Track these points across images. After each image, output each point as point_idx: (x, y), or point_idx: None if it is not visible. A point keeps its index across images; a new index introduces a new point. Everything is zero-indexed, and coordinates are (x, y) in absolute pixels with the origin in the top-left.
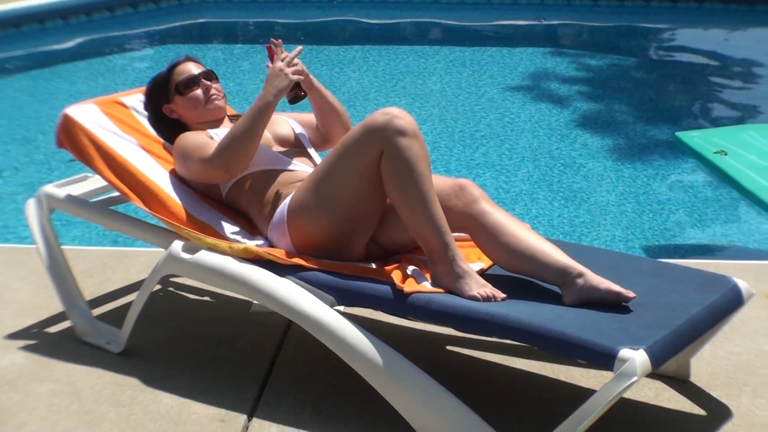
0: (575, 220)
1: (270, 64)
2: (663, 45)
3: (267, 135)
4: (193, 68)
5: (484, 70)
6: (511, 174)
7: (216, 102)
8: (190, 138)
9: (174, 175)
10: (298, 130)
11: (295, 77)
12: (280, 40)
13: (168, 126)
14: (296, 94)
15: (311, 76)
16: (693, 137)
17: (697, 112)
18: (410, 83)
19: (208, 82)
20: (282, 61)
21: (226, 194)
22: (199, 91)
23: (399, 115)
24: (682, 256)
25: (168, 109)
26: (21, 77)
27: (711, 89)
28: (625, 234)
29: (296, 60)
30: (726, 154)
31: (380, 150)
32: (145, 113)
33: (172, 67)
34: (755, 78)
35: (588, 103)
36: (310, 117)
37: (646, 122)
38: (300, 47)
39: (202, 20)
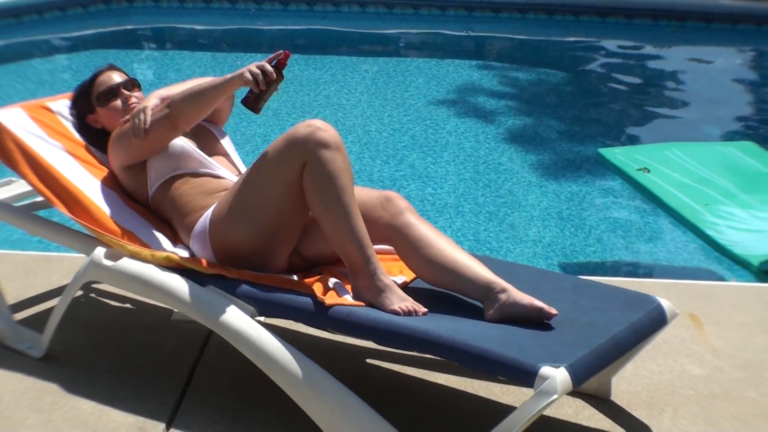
0: (500, 234)
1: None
2: (591, 60)
3: (191, 139)
4: (116, 77)
5: (410, 81)
6: (437, 186)
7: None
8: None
9: (101, 180)
10: (223, 139)
11: (248, 76)
12: (288, 53)
13: (93, 134)
14: (248, 103)
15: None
16: (615, 154)
17: (622, 129)
18: (335, 93)
19: (128, 92)
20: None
21: (152, 195)
22: (118, 102)
23: (322, 128)
24: (606, 274)
25: (92, 119)
26: None
27: (636, 106)
28: (547, 251)
29: (269, 70)
30: (649, 171)
31: (303, 162)
32: (71, 119)
33: (94, 77)
34: (680, 95)
35: (514, 117)
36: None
37: (572, 138)
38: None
39: (130, 26)
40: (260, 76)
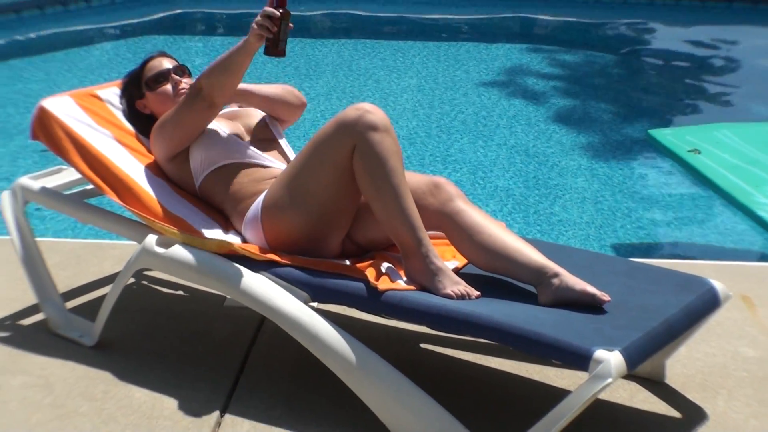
0: (551, 217)
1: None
2: (639, 41)
3: (240, 127)
4: (166, 63)
5: (460, 65)
6: (486, 170)
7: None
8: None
9: (149, 168)
10: (274, 126)
11: (256, 28)
12: None
13: (142, 121)
14: (267, 49)
15: (245, 86)
16: (666, 135)
17: (671, 110)
18: (385, 78)
19: (178, 77)
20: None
21: (200, 186)
22: (168, 86)
23: (370, 110)
24: (657, 256)
25: (141, 104)
26: None
27: (685, 87)
28: (599, 233)
29: (271, 12)
30: (699, 153)
31: (352, 145)
32: (120, 106)
33: (145, 63)
34: (729, 75)
35: (564, 99)
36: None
37: (622, 119)
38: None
39: (178, 11)
40: (267, 21)
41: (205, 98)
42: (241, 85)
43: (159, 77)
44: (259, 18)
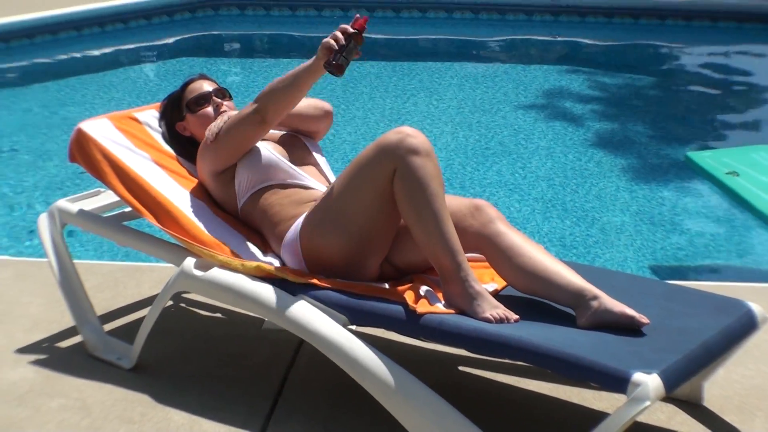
0: (588, 240)
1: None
2: (677, 63)
3: (283, 151)
4: (206, 86)
5: (498, 87)
6: (524, 192)
7: None
8: None
9: (188, 190)
10: (313, 149)
11: (329, 40)
12: (366, 17)
13: (182, 143)
14: (331, 67)
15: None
16: (704, 157)
17: (709, 132)
18: (423, 100)
19: (219, 100)
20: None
21: (242, 207)
22: (209, 109)
23: (412, 134)
24: (695, 278)
25: (181, 126)
26: (33, 88)
27: (723, 109)
28: (638, 255)
29: (346, 28)
30: (738, 175)
31: (393, 169)
32: (159, 129)
33: (185, 85)
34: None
35: (602, 121)
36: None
37: (660, 141)
38: (359, 52)
39: (215, 33)
40: (339, 33)
41: (260, 115)
42: None
43: (200, 99)
44: (334, 32)
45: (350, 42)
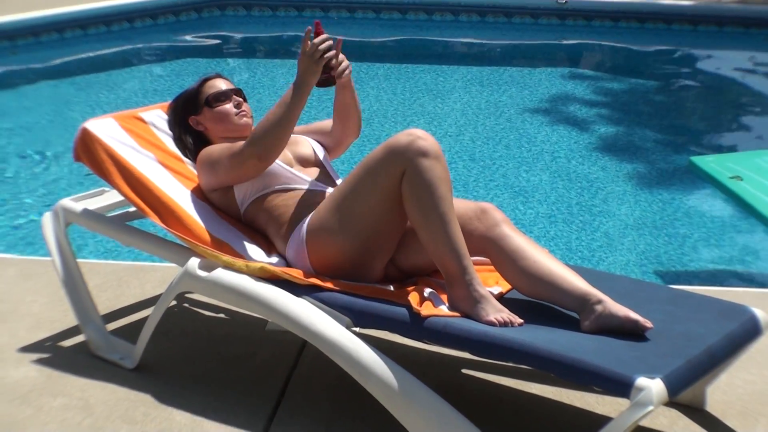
0: (592, 243)
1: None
2: (682, 68)
3: (288, 154)
4: (223, 85)
5: (503, 90)
6: (529, 195)
7: (245, 119)
8: (216, 146)
9: (192, 191)
10: (319, 150)
11: (327, 55)
12: (318, 21)
13: (191, 136)
14: (327, 77)
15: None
16: (708, 162)
17: (713, 137)
18: (429, 102)
19: (240, 99)
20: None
21: (244, 212)
22: (229, 105)
23: (422, 137)
24: (699, 282)
25: (194, 120)
26: (39, 87)
27: (728, 113)
28: (642, 259)
29: (329, 42)
30: (741, 179)
31: (402, 171)
32: (165, 129)
33: (203, 81)
34: None
35: (607, 125)
36: (324, 124)
37: (664, 146)
38: (340, 38)
39: (221, 33)
40: (327, 53)
41: (262, 162)
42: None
43: (220, 96)
44: (316, 55)
45: (332, 47)
